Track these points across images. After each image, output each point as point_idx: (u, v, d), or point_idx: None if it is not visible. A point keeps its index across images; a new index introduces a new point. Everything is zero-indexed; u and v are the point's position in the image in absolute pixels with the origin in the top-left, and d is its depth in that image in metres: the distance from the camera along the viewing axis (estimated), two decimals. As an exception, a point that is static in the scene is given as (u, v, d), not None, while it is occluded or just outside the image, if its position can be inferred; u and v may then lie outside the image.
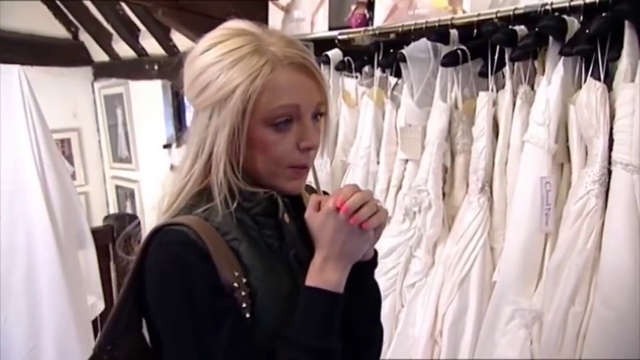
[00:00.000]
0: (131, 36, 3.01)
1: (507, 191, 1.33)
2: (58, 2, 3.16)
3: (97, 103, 3.58)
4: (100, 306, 1.86)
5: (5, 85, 1.55)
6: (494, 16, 1.31)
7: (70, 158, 3.55)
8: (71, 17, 3.28)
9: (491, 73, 1.33)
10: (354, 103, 1.76)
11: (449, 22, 1.42)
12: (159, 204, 0.76)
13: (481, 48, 1.36)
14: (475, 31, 1.38)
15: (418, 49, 1.49)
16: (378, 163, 1.64)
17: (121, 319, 0.73)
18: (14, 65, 1.59)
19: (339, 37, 1.74)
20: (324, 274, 0.71)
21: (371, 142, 1.64)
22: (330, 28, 1.78)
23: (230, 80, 0.69)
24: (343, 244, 0.72)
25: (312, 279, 0.71)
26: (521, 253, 1.24)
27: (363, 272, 0.76)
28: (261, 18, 1.96)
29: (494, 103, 1.35)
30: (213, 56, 0.71)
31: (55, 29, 3.33)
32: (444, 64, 1.41)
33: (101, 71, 3.51)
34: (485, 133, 1.35)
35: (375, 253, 0.80)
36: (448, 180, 1.48)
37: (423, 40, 1.48)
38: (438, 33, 1.45)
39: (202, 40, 0.74)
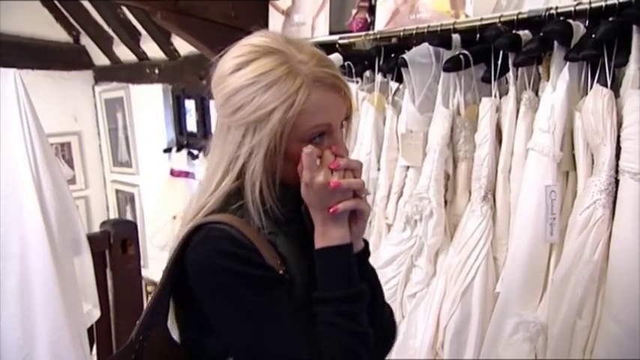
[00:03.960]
0: (132, 40, 3.00)
1: (511, 200, 1.29)
2: (59, 5, 3.16)
3: (98, 107, 3.57)
4: (96, 313, 1.82)
5: (1, 88, 1.53)
6: (497, 20, 1.28)
7: (70, 162, 3.54)
8: (72, 21, 3.27)
9: (495, 79, 1.30)
10: (354, 109, 1.73)
11: (451, 27, 1.40)
12: (184, 213, 0.81)
13: (484, 53, 1.33)
14: (478, 35, 1.35)
15: (420, 53, 1.46)
16: (378, 169, 1.61)
17: (154, 312, 0.79)
18: (10, 69, 1.57)
19: (340, 41, 1.72)
20: (328, 234, 0.76)
21: (371, 148, 1.62)
22: (331, 33, 1.76)
23: (266, 103, 0.72)
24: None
25: (319, 242, 0.76)
26: (525, 263, 1.21)
27: (359, 263, 0.79)
28: (262, 22, 1.94)
29: (498, 110, 1.32)
30: (246, 78, 0.73)
31: (57, 33, 3.32)
32: (446, 69, 1.38)
33: (102, 75, 3.50)
34: (488, 139, 1.32)
35: (366, 243, 0.84)
36: (450, 187, 1.45)
37: (425, 44, 1.45)
38: (440, 37, 1.42)
39: (229, 57, 0.76)
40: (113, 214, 3.64)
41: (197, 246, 0.74)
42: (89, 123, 3.60)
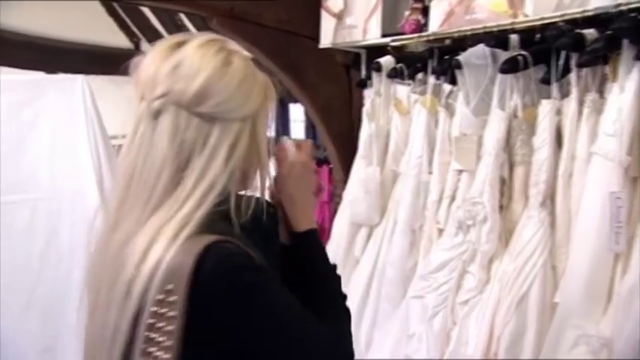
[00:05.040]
0: (188, 45, 3.11)
1: (571, 206, 1.23)
2: (122, 14, 3.33)
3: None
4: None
5: (69, 93, 1.63)
6: (559, 19, 1.23)
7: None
8: (134, 28, 3.43)
9: (555, 80, 1.25)
10: (406, 111, 1.72)
11: (509, 27, 1.35)
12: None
13: (544, 53, 1.28)
14: (538, 35, 1.30)
15: (475, 55, 1.43)
16: (430, 173, 1.59)
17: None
18: (78, 75, 1.67)
19: (392, 43, 1.71)
20: (308, 217, 0.81)
21: (423, 152, 1.60)
22: (383, 35, 1.75)
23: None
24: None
25: (304, 225, 0.80)
26: (588, 273, 1.15)
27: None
28: (314, 25, 1.96)
29: (558, 112, 1.27)
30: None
31: (119, 40, 3.50)
32: (503, 71, 1.34)
33: (160, 79, 3.64)
34: (548, 143, 1.26)
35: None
36: (506, 192, 1.41)
37: (481, 45, 1.42)
38: (496, 38, 1.38)
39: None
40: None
41: (212, 269, 0.64)
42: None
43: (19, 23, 3.02)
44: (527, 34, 1.34)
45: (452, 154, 1.52)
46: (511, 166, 1.39)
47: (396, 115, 1.73)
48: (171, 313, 0.62)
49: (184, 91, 0.68)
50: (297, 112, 2.67)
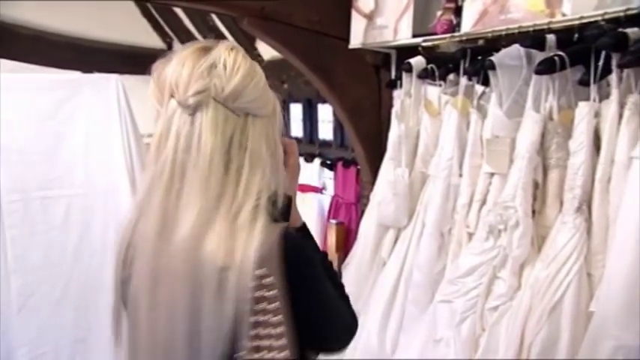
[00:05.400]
0: (219, 46, 3.15)
1: (609, 212, 1.19)
2: (156, 15, 3.40)
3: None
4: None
5: (103, 92, 1.67)
6: (600, 18, 1.18)
7: (161, 161, 3.79)
8: (167, 29, 3.50)
9: (594, 82, 1.21)
10: (436, 113, 1.69)
11: (546, 27, 1.32)
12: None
13: (582, 54, 1.23)
14: (576, 35, 1.26)
15: (509, 55, 1.39)
16: (460, 175, 1.56)
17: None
18: (112, 75, 1.71)
19: (423, 44, 1.68)
20: (298, 213, 0.88)
21: (453, 154, 1.57)
22: (414, 35, 1.72)
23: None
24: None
25: (299, 220, 0.88)
26: (626, 282, 1.10)
27: None
28: (344, 26, 1.95)
29: (597, 114, 1.22)
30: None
31: (153, 40, 3.58)
32: (539, 72, 1.30)
33: (191, 79, 3.70)
34: (585, 146, 1.22)
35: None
36: (539, 197, 1.37)
37: (516, 46, 1.38)
38: (532, 38, 1.34)
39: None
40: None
41: (295, 251, 0.74)
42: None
43: (55, 23, 3.12)
44: (565, 34, 1.30)
45: (483, 156, 1.49)
46: (545, 170, 1.35)
47: (426, 117, 1.71)
48: (271, 294, 0.70)
49: (222, 87, 0.73)
50: (325, 113, 2.66)
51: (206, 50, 0.76)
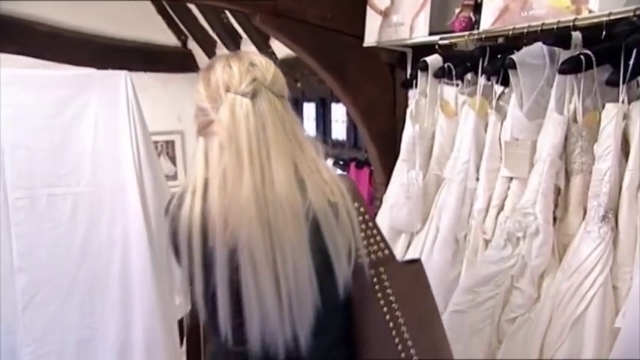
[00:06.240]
0: (233, 43, 3.13)
1: (638, 222, 1.12)
2: (172, 13, 3.39)
3: (200, 108, 3.77)
4: (187, 307, 1.90)
5: (113, 89, 1.65)
6: (631, 14, 1.11)
7: (173, 159, 3.78)
8: (182, 27, 3.49)
9: (624, 82, 1.13)
10: (452, 113, 1.63)
11: (571, 24, 1.24)
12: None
13: (611, 52, 1.16)
14: (604, 32, 1.18)
15: (531, 54, 1.33)
16: (477, 179, 1.50)
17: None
18: (122, 71, 1.69)
19: (440, 42, 1.62)
20: None
21: (470, 156, 1.50)
22: (431, 33, 1.66)
23: None
24: None
25: None
26: (656, 297, 1.03)
27: None
28: (358, 23, 1.90)
29: (626, 117, 1.15)
30: None
31: (168, 38, 3.58)
32: (563, 72, 1.23)
33: (205, 77, 3.69)
34: (612, 151, 1.15)
35: None
36: (561, 203, 1.30)
37: (538, 44, 1.31)
38: (556, 36, 1.27)
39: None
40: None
41: (354, 190, 1.01)
42: (192, 123, 3.82)
43: (72, 21, 3.14)
44: (592, 32, 1.23)
45: (501, 160, 1.43)
46: (568, 175, 1.28)
47: (441, 117, 1.65)
48: (367, 217, 1.00)
49: (265, 77, 0.96)
50: (338, 112, 2.62)
51: (238, 55, 0.99)
